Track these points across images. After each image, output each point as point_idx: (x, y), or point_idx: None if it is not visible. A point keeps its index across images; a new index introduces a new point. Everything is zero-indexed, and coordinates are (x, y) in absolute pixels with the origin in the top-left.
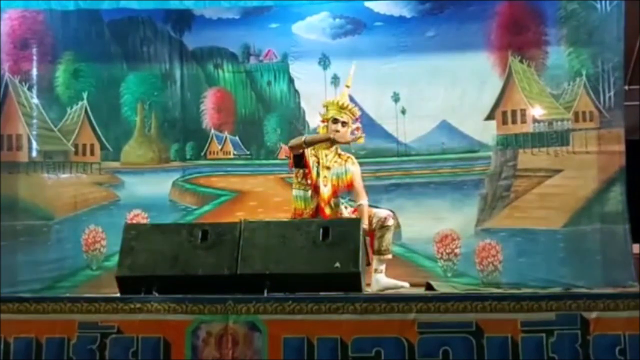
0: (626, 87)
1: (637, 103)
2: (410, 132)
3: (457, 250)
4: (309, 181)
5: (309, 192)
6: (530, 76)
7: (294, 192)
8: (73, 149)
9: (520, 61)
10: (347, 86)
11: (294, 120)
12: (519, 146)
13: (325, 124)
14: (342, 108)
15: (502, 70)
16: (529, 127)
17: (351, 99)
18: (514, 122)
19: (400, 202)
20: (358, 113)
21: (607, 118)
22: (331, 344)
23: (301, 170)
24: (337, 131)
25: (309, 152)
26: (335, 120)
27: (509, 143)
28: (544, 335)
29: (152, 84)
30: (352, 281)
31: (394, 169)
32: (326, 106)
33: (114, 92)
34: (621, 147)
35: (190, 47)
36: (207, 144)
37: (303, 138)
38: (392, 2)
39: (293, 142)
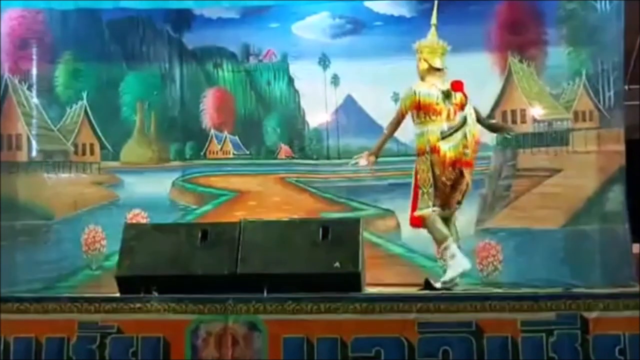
0: (626, 87)
1: (637, 103)
2: (410, 132)
3: None
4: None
5: None
6: (530, 76)
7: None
8: (73, 149)
9: (520, 61)
10: (434, 24)
11: (293, 120)
12: (519, 146)
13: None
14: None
15: (502, 70)
16: (528, 127)
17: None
18: (513, 121)
19: (400, 202)
20: (448, 48)
21: (607, 118)
22: (331, 344)
23: None
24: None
25: None
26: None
27: (509, 143)
28: (544, 335)
29: (152, 83)
30: (351, 281)
31: (394, 169)
32: (420, 50)
33: (114, 92)
34: (621, 147)
35: (190, 47)
36: (207, 144)
37: None
38: (392, 2)
39: None
